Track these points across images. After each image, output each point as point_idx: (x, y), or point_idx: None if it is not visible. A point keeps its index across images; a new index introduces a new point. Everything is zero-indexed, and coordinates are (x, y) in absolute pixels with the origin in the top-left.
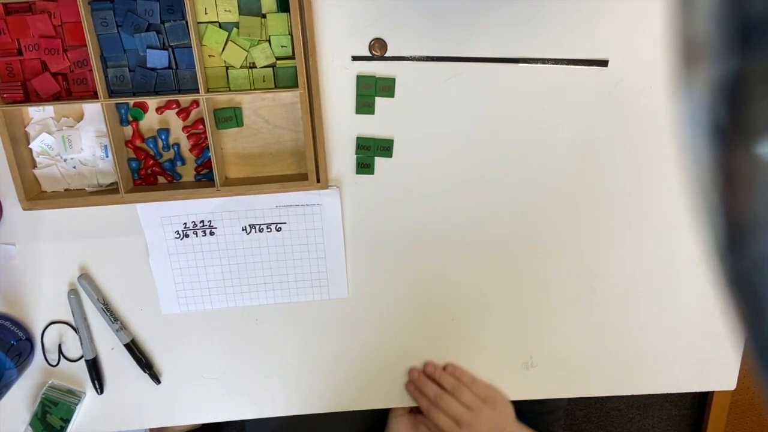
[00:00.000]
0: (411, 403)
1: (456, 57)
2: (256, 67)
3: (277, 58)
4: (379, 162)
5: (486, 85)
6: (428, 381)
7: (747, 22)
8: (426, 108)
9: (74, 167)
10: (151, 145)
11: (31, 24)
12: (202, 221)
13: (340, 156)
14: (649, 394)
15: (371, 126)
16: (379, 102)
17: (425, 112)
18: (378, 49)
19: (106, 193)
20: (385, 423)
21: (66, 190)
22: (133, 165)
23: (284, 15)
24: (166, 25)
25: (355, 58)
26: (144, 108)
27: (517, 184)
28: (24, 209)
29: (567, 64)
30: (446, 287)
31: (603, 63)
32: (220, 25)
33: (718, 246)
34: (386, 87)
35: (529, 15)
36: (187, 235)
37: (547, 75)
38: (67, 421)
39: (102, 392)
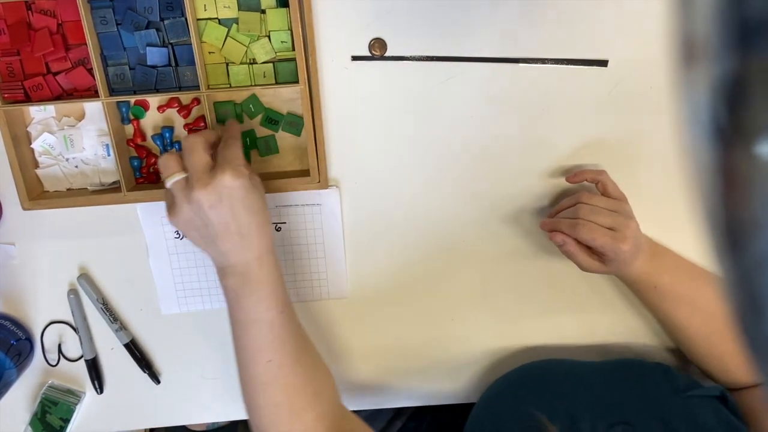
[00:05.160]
0: (405, 403)
1: (456, 57)
2: (256, 63)
3: (277, 53)
4: (379, 162)
5: (486, 85)
6: (561, 204)
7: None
8: (426, 108)
9: (76, 166)
10: (158, 142)
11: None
12: None
13: (340, 156)
14: None
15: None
16: (380, 102)
17: (425, 112)
18: (378, 49)
19: (109, 192)
20: (381, 424)
21: (68, 189)
22: (135, 163)
23: (284, 10)
24: (166, 22)
25: (354, 58)
26: (145, 106)
27: (518, 184)
28: (26, 209)
29: (567, 64)
30: (446, 287)
31: (603, 63)
32: (220, 22)
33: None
34: None
35: (529, 15)
36: None
37: (547, 75)
38: (66, 421)
39: (102, 392)
